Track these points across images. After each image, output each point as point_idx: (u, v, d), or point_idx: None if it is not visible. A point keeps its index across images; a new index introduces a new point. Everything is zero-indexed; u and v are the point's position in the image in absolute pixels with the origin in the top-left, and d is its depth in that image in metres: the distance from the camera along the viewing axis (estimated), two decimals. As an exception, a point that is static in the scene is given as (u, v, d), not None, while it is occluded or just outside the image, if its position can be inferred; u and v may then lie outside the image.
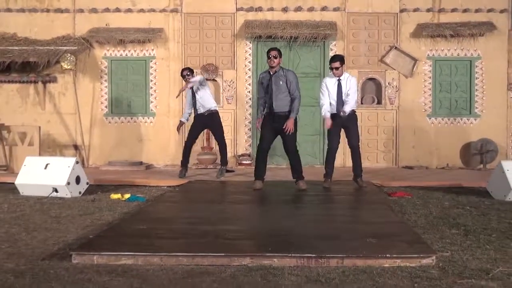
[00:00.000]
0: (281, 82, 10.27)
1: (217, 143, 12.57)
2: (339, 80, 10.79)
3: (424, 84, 14.96)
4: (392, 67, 14.93)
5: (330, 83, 10.84)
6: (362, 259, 5.47)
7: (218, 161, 13.30)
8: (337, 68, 10.76)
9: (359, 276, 5.08)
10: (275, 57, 10.22)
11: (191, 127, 12.38)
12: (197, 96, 12.05)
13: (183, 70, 12.42)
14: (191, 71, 12.30)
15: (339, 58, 10.96)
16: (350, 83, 10.84)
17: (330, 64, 10.95)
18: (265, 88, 10.41)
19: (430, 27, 14.74)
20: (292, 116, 10.20)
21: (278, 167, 14.12)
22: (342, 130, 10.97)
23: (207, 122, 12.22)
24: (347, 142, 11.14)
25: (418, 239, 6.25)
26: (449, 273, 5.19)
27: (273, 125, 10.35)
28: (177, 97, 12.90)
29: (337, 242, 6.20)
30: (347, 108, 10.74)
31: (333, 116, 10.91)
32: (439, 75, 15.00)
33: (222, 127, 12.42)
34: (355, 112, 11.03)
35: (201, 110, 12.11)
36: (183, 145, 12.49)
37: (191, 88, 11.99)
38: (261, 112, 10.57)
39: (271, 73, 10.36)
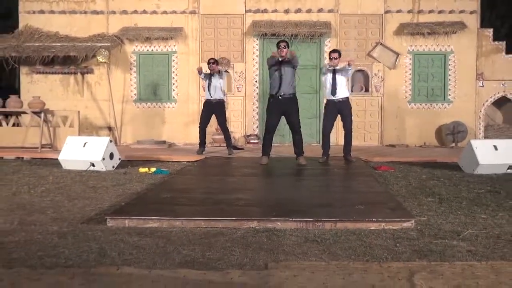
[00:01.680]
0: (287, 69, 10.19)
1: (219, 127, 12.68)
2: (334, 69, 10.80)
3: (405, 75, 14.88)
4: (378, 60, 14.85)
5: (329, 72, 10.86)
6: (352, 223, 5.48)
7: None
8: (335, 58, 10.82)
9: (349, 237, 5.09)
10: (284, 48, 10.13)
11: (202, 113, 12.46)
12: (212, 83, 12.12)
13: (210, 59, 12.45)
14: (216, 61, 12.42)
15: (338, 51, 11.07)
16: (345, 74, 10.97)
17: (330, 54, 10.99)
18: (272, 73, 10.36)
19: (411, 26, 14.64)
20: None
21: (281, 145, 14.09)
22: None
23: (214, 108, 12.25)
24: (342, 125, 11.13)
25: (399, 206, 6.25)
26: (426, 234, 5.19)
27: (281, 107, 10.30)
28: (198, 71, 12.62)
29: (331, 208, 6.21)
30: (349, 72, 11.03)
31: (329, 101, 10.92)
32: (418, 67, 14.91)
33: (225, 114, 12.53)
34: (349, 99, 11.06)
35: (210, 96, 12.18)
36: (198, 128, 12.46)
37: (212, 75, 12.16)
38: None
39: (281, 60, 10.22)
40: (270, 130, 10.50)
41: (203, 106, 12.50)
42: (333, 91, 10.82)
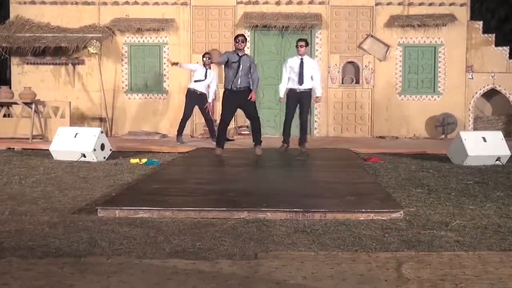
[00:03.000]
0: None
1: (204, 117, 12.91)
2: (301, 59, 10.92)
3: (395, 67, 14.90)
4: (369, 52, 14.86)
5: (293, 61, 10.99)
6: (342, 213, 5.51)
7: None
8: (302, 46, 10.96)
9: (338, 227, 5.11)
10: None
11: (186, 103, 12.68)
12: (207, 80, 12.46)
13: (205, 53, 12.83)
14: (210, 55, 12.62)
15: (305, 40, 11.32)
16: (313, 65, 11.23)
17: (297, 43, 11.11)
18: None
19: (401, 18, 14.66)
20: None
21: (271, 136, 14.09)
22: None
23: (197, 100, 12.53)
24: (299, 114, 11.18)
25: (388, 197, 6.28)
26: (414, 225, 5.23)
27: (237, 100, 10.36)
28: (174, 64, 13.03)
29: (321, 199, 6.23)
30: (319, 93, 11.23)
31: (292, 91, 10.97)
32: (408, 59, 14.93)
33: (206, 107, 12.60)
34: (311, 91, 11.17)
35: (197, 89, 12.45)
36: (181, 119, 12.76)
37: (207, 69, 12.49)
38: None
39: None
40: (225, 121, 10.52)
41: (186, 96, 12.70)
42: (300, 81, 10.91)
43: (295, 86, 10.95)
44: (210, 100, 12.48)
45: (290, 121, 11.17)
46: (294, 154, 10.60)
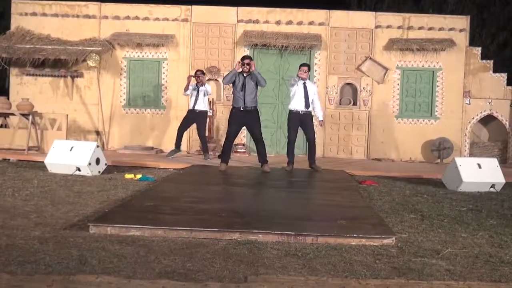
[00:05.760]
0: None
1: (198, 135, 13.13)
2: (304, 83, 11.22)
3: (393, 90, 14.96)
4: (367, 74, 14.92)
5: (298, 84, 11.28)
6: (333, 238, 5.51)
7: (218, 148, 13.49)
8: (305, 71, 11.22)
9: (330, 252, 5.11)
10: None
11: (184, 119, 13.06)
12: (200, 96, 12.66)
13: (197, 70, 13.06)
14: (203, 72, 13.08)
15: (308, 65, 11.60)
16: (314, 89, 11.59)
17: (300, 68, 11.34)
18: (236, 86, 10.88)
19: (400, 42, 14.74)
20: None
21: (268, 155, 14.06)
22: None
23: (195, 117, 12.84)
24: (305, 136, 11.65)
25: (381, 222, 6.28)
26: (406, 252, 5.22)
27: (243, 119, 10.82)
28: (185, 89, 13.06)
29: (313, 222, 6.24)
30: (320, 116, 11.63)
31: (295, 112, 11.16)
32: (406, 82, 14.99)
33: (205, 124, 13.08)
34: (312, 113, 11.53)
35: (195, 107, 12.72)
36: (177, 130, 13.00)
37: (199, 87, 12.70)
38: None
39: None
40: (230, 138, 11.00)
41: (186, 113, 13.07)
42: (307, 104, 11.23)
43: (299, 108, 11.24)
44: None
45: (293, 142, 11.40)
46: (293, 174, 10.67)
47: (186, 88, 12.83)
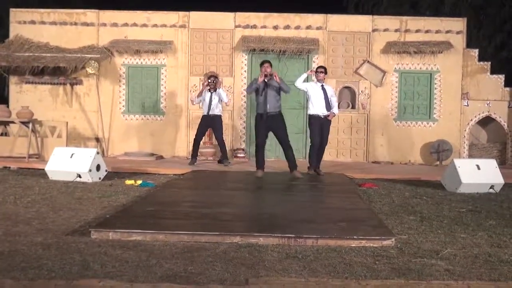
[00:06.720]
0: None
1: (217, 140, 12.90)
2: (322, 85, 11.19)
3: (391, 93, 15.01)
4: (365, 78, 14.97)
5: (312, 87, 11.18)
6: (333, 240, 5.53)
7: (217, 153, 13.46)
8: (321, 72, 11.32)
9: (330, 254, 5.14)
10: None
11: (199, 126, 12.75)
12: (213, 102, 12.49)
13: (210, 76, 12.94)
14: (216, 78, 12.93)
15: (324, 68, 11.63)
16: (331, 90, 11.51)
17: (317, 69, 11.35)
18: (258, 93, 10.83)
19: (397, 45, 14.80)
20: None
21: (268, 159, 14.11)
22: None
23: (211, 122, 12.64)
24: (321, 141, 11.46)
25: (380, 224, 6.31)
26: (405, 253, 5.25)
27: (267, 124, 10.74)
28: (198, 95, 13.04)
29: (313, 225, 6.26)
30: (336, 110, 11.50)
31: (316, 117, 11.12)
32: (404, 85, 15.05)
33: (222, 128, 12.83)
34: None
35: (209, 112, 12.52)
36: (193, 140, 12.81)
37: (212, 92, 12.53)
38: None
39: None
40: (260, 146, 10.90)
41: (201, 120, 12.82)
42: (327, 106, 11.24)
43: (320, 112, 11.24)
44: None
45: (317, 146, 11.35)
46: (293, 178, 10.68)
47: (200, 94, 12.77)
